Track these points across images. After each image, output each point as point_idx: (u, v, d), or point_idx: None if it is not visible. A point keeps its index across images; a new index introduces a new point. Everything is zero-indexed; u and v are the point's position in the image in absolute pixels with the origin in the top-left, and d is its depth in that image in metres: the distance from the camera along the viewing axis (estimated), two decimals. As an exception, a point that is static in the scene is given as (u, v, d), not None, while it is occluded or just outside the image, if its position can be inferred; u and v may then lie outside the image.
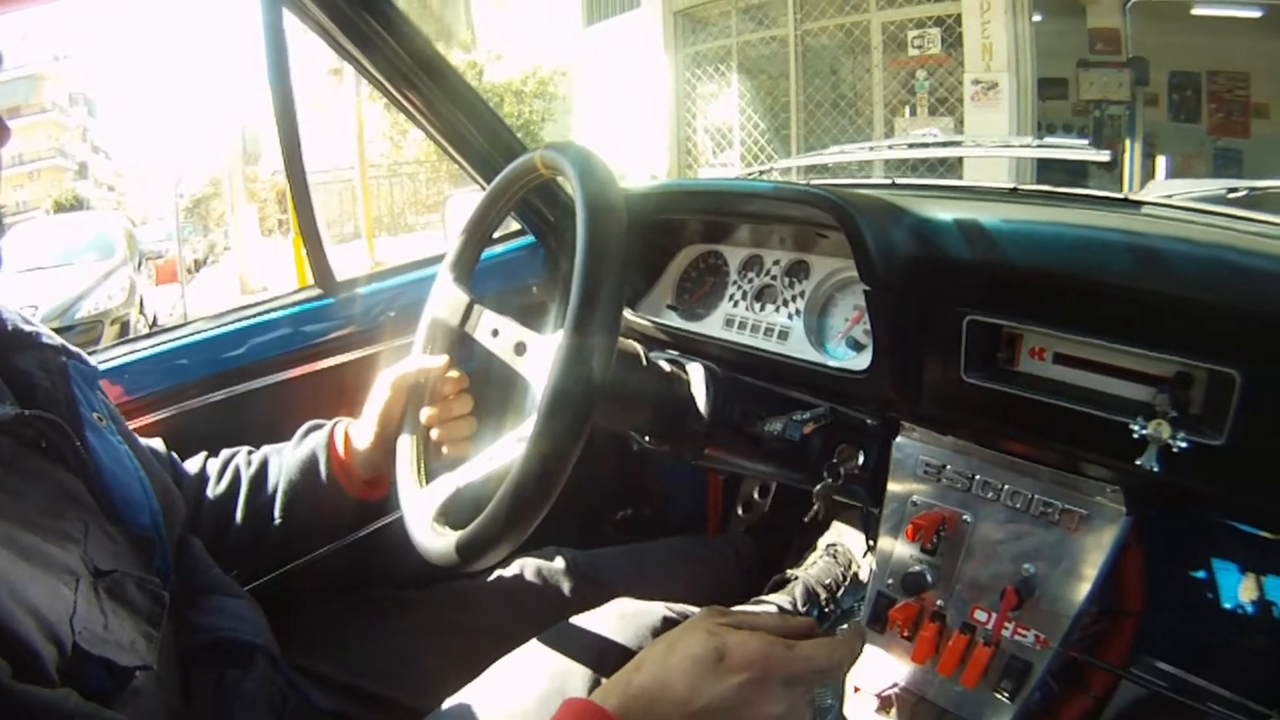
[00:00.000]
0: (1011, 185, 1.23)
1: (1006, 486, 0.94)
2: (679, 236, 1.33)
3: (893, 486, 1.03)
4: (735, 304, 1.25)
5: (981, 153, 1.74)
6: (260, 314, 1.29)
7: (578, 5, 9.05)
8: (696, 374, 1.05)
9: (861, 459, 1.06)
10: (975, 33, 6.34)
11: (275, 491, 0.97)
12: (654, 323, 1.29)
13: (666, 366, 1.04)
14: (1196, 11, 8.84)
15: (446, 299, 0.95)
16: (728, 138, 7.77)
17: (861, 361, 1.02)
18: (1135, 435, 0.80)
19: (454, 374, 0.95)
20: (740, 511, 1.64)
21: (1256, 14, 8.69)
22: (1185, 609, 1.12)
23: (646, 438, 1.06)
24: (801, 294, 1.17)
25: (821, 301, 1.16)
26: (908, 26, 6.73)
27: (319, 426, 1.02)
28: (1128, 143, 8.74)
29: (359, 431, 0.97)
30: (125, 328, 7.12)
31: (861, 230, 0.96)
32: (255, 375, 1.24)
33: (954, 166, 6.41)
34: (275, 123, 1.25)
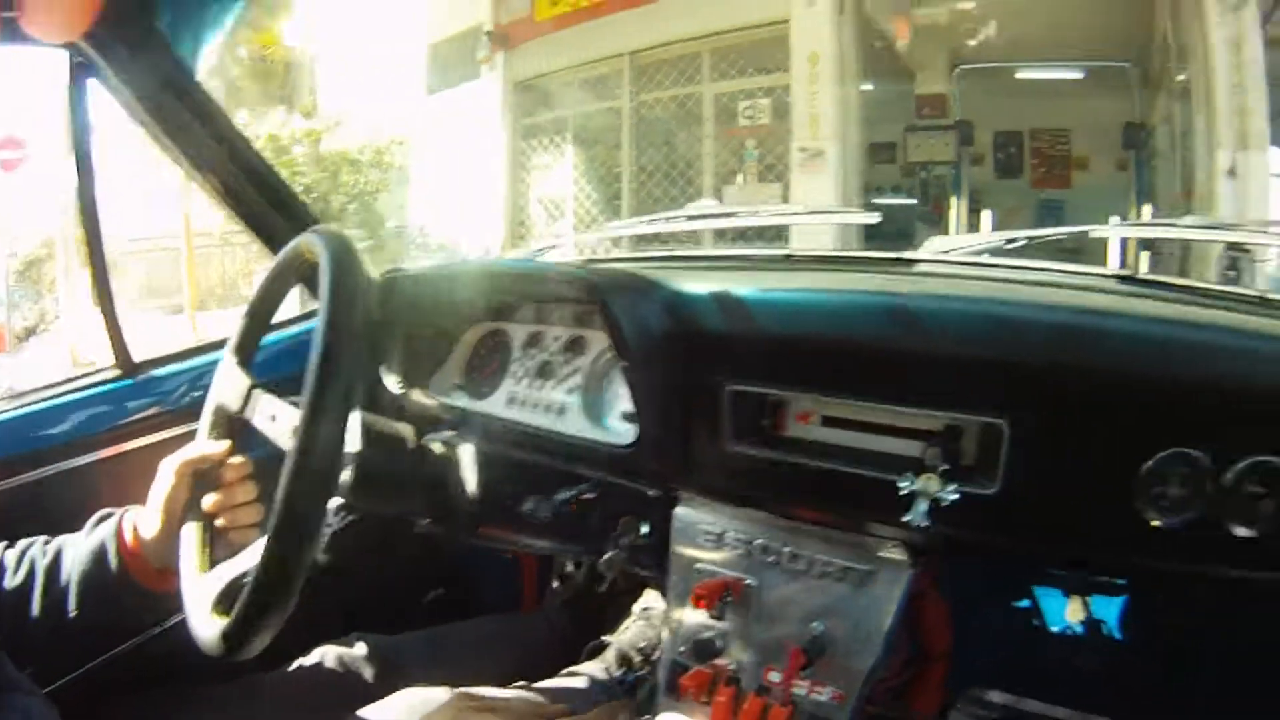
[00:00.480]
0: (787, 252, 1.25)
1: (787, 549, 0.95)
2: (466, 315, 1.35)
3: (676, 555, 1.04)
4: (518, 381, 1.25)
5: (756, 221, 1.83)
6: (58, 396, 1.26)
7: (421, 74, 9.06)
8: (466, 455, 1.08)
9: (645, 529, 1.08)
10: (803, 103, 6.55)
11: (69, 584, 0.94)
12: (442, 403, 1.29)
13: (439, 449, 1.08)
14: (1020, 75, 9.48)
15: (228, 383, 0.95)
16: (561, 209, 7.85)
17: (629, 436, 1.03)
18: (902, 492, 0.80)
19: (236, 460, 0.94)
20: (555, 585, 1.62)
21: (1078, 75, 9.37)
22: (1007, 638, 1.18)
23: (427, 519, 1.09)
24: (578, 370, 1.18)
25: (599, 376, 1.17)
26: (739, 97, 6.97)
27: (110, 515, 0.99)
28: (953, 200, 9.19)
29: (146, 520, 0.95)
30: (-51, 401, 6.55)
31: (613, 308, 0.99)
32: (56, 460, 1.20)
33: (780, 234, 6.55)
34: (76, 189, 1.26)
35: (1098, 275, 1.04)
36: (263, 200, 1.38)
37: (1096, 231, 1.27)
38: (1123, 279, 1.01)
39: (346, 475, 0.97)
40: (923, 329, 0.88)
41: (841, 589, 0.92)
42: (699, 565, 1.01)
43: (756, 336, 0.95)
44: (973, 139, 9.60)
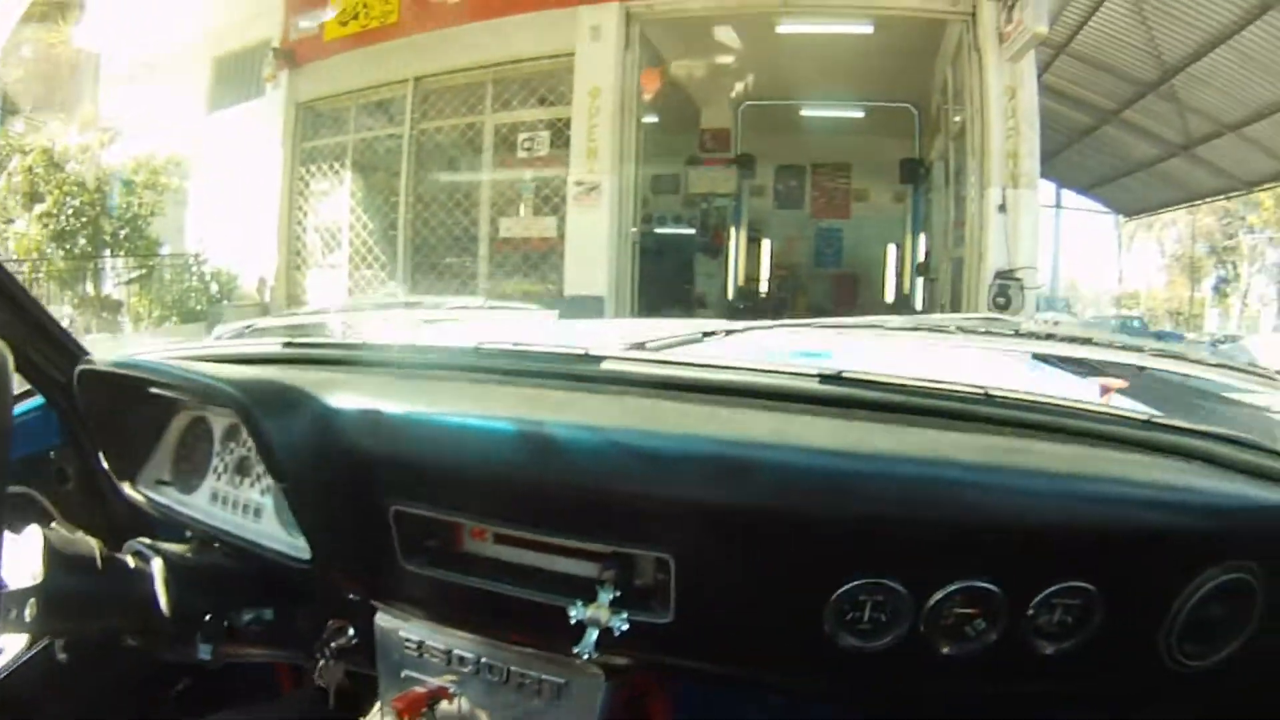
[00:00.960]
0: (476, 345, 1.20)
1: (483, 660, 0.94)
2: (173, 403, 1.25)
3: (382, 661, 1.02)
4: (219, 477, 1.17)
5: (439, 315, 1.81)
6: None
7: (205, 88, 8.75)
8: (160, 565, 1.02)
9: (352, 632, 1.06)
10: (582, 137, 6.71)
11: None
12: (149, 499, 1.22)
13: (131, 562, 1.02)
14: (804, 113, 10.05)
15: None
16: (338, 238, 7.73)
17: (305, 549, 0.99)
18: (573, 620, 0.79)
19: None
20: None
21: (859, 114, 9.98)
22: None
23: (130, 637, 1.04)
24: None
25: None
26: (520, 129, 7.06)
27: None
28: (733, 230, 9.75)
29: None
30: None
31: (259, 426, 0.94)
32: None
33: (556, 265, 6.78)
34: None
35: (800, 375, 0.98)
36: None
37: (790, 336, 1.24)
38: (825, 378, 0.95)
39: (30, 606, 0.93)
40: (576, 462, 0.85)
41: (540, 701, 0.91)
42: (404, 673, 1.00)
43: (412, 460, 0.92)
44: (755, 172, 10.13)
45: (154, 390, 1.21)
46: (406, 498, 0.91)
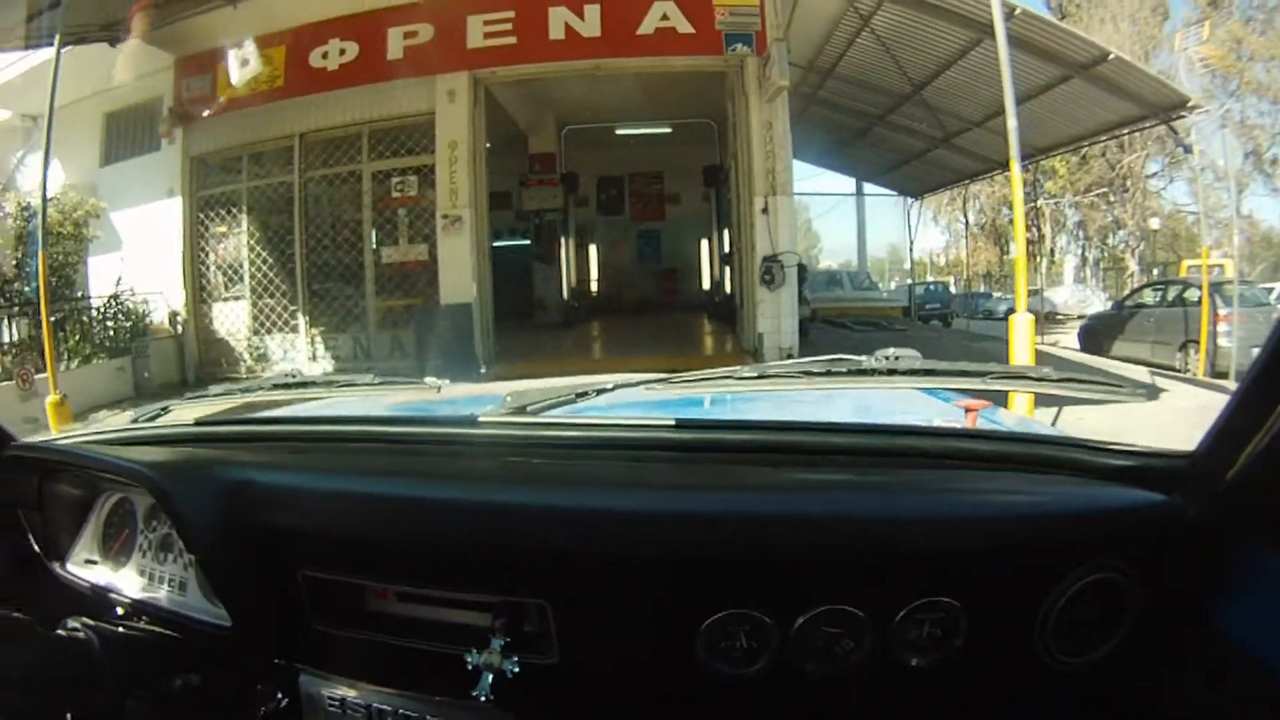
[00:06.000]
0: (371, 414, 1.26)
1: (400, 712, 0.99)
2: (96, 484, 1.30)
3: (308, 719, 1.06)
4: (145, 555, 1.23)
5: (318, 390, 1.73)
6: None
7: (98, 143, 10.04)
8: (93, 645, 1.04)
9: (280, 695, 1.07)
10: (444, 179, 8.83)
11: None
12: (80, 578, 1.26)
13: (66, 640, 1.04)
14: (619, 132, 12.58)
15: None
16: (239, 273, 9.43)
17: (226, 618, 1.06)
18: (469, 666, 0.87)
19: None
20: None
21: (667, 130, 12.59)
22: None
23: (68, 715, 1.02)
24: None
25: None
26: (393, 174, 9.09)
27: None
28: (562, 240, 12.05)
29: None
30: None
31: (172, 501, 1.03)
32: None
33: (430, 281, 8.77)
34: None
35: (659, 425, 1.05)
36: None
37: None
38: (682, 424, 1.04)
39: None
40: (458, 523, 0.93)
41: None
42: None
43: (316, 528, 1.00)
44: (579, 186, 12.43)
45: (76, 473, 1.28)
46: (314, 563, 1.00)
